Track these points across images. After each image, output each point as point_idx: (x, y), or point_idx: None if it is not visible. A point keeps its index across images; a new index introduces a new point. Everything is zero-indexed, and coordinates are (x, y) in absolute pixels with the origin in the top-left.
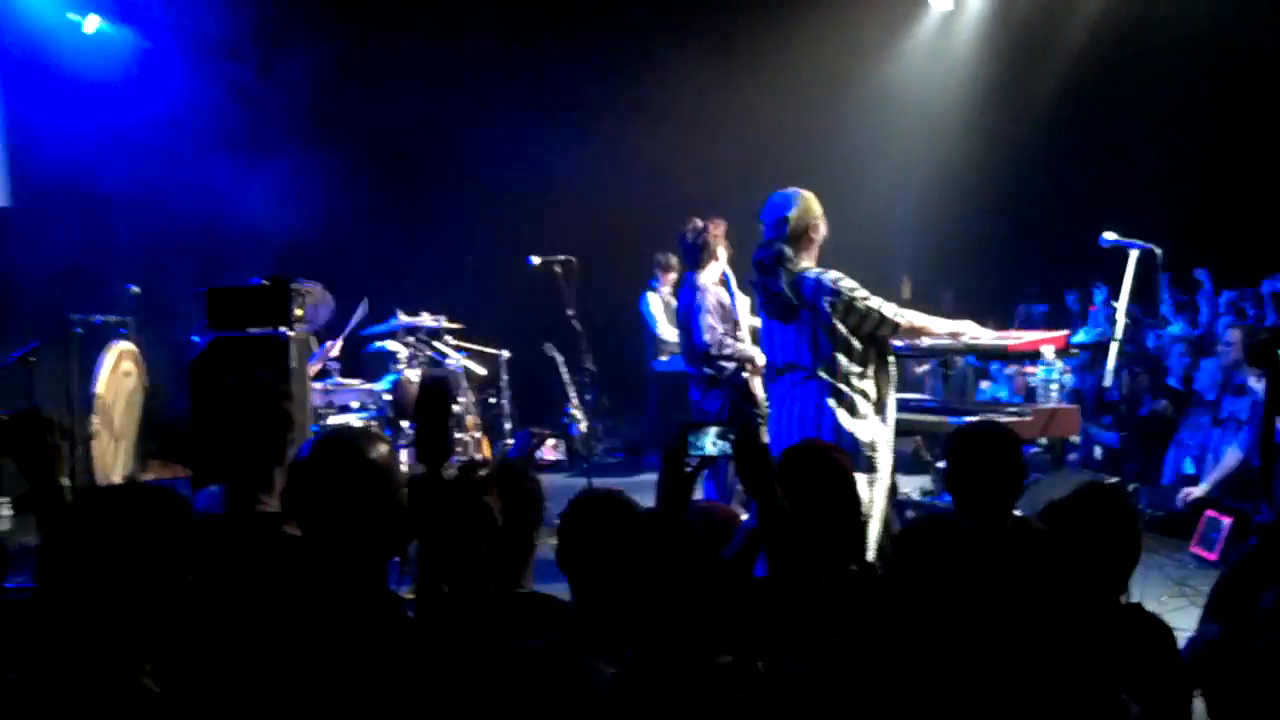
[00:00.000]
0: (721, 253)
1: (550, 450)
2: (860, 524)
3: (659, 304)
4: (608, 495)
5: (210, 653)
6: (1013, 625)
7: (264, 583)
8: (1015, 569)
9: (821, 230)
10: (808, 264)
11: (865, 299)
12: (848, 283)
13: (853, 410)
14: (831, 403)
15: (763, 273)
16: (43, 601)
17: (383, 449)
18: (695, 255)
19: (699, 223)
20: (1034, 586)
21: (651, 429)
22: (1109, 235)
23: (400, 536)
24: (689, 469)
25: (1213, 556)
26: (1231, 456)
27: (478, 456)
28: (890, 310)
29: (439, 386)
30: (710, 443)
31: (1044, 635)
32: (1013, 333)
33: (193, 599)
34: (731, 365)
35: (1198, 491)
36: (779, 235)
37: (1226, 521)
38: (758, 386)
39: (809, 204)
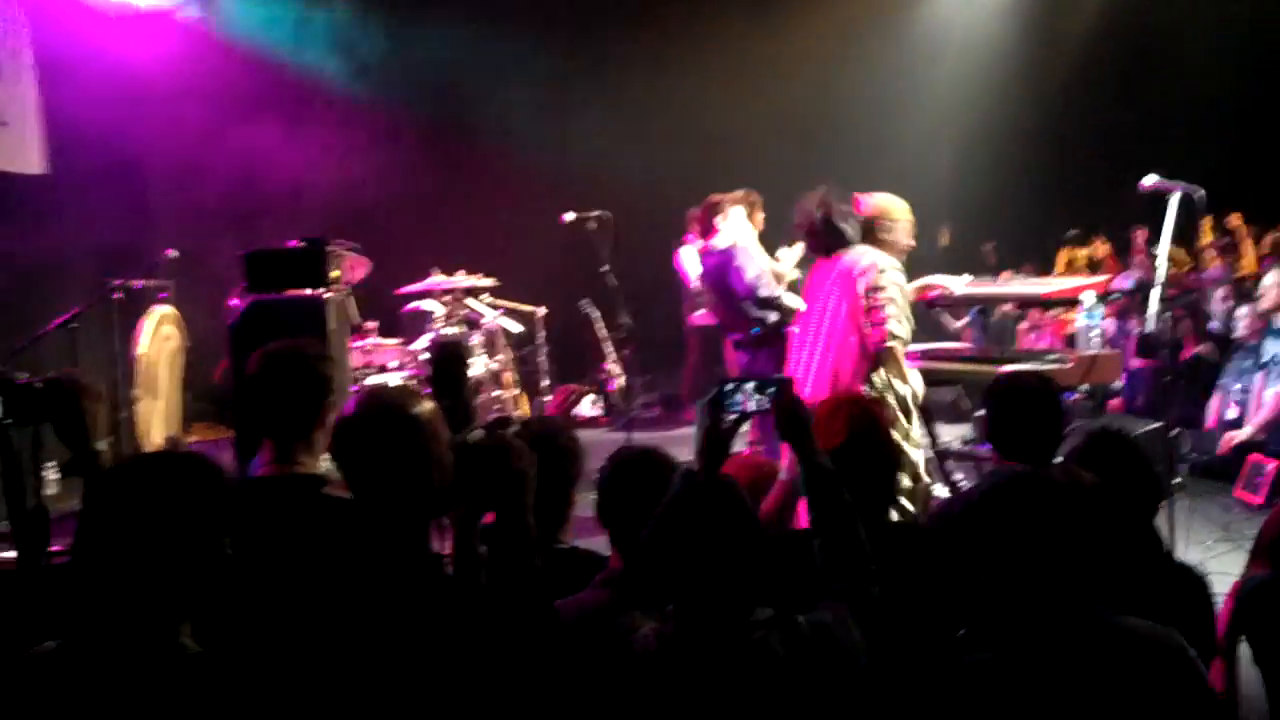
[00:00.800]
0: (734, 217)
1: (589, 405)
2: (894, 475)
3: (694, 258)
4: (645, 452)
5: (252, 613)
6: (1075, 577)
7: (304, 544)
8: (1082, 520)
9: (898, 233)
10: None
11: (887, 304)
12: (892, 278)
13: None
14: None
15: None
16: (79, 567)
17: (427, 406)
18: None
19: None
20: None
21: (689, 383)
22: (1150, 178)
23: (446, 495)
24: (727, 424)
25: (1258, 500)
26: (1275, 400)
27: (514, 414)
28: (893, 329)
29: (451, 353)
30: (748, 398)
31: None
32: (1052, 278)
33: (232, 561)
34: (773, 315)
35: (1241, 436)
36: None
37: (1271, 465)
38: None
39: (896, 206)
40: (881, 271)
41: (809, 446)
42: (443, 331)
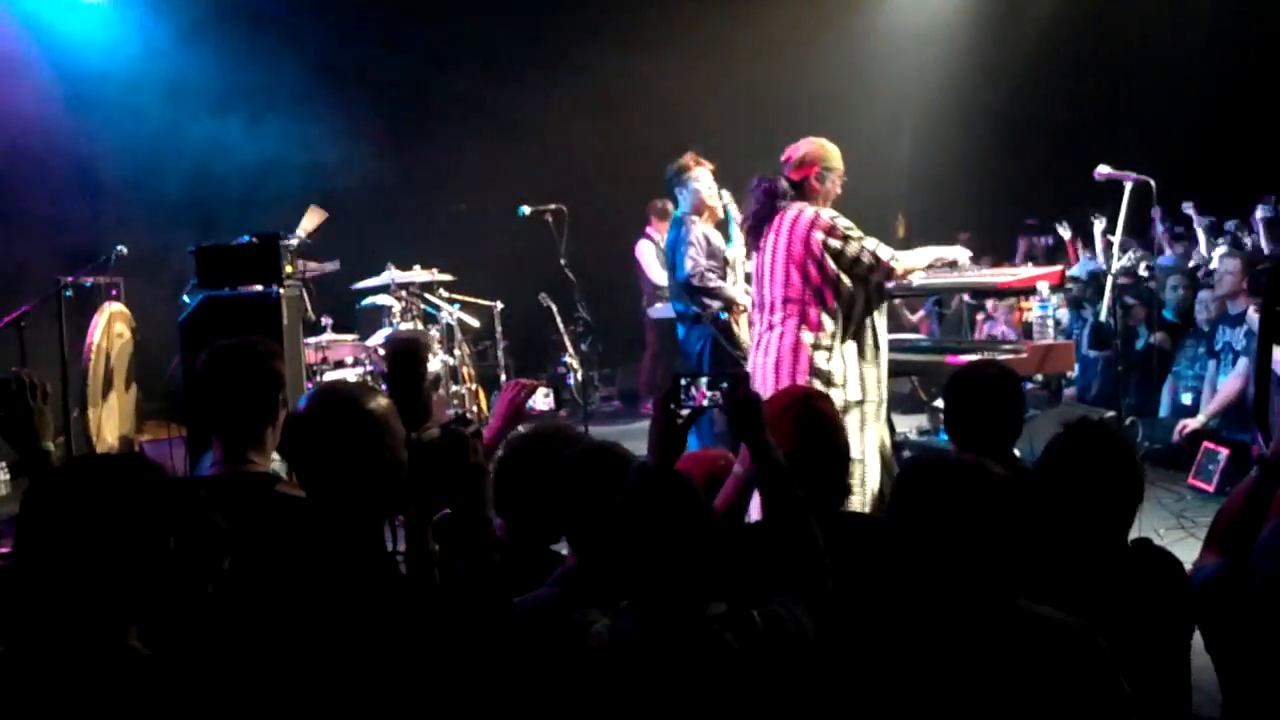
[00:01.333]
0: (705, 188)
1: (542, 400)
2: (846, 469)
3: (652, 251)
4: (600, 447)
5: (203, 613)
6: (1008, 565)
7: (255, 542)
8: (1012, 508)
9: (830, 180)
10: (807, 204)
11: (860, 239)
12: (843, 222)
13: (830, 351)
14: (809, 342)
15: (759, 206)
16: (19, 571)
17: (382, 402)
18: (672, 190)
19: (684, 159)
20: (1030, 526)
21: (647, 377)
22: (1104, 168)
23: (400, 493)
24: (681, 419)
25: (1210, 488)
26: (1228, 387)
27: (472, 409)
28: (885, 254)
29: (408, 348)
30: (702, 393)
31: (1047, 575)
32: (1007, 268)
33: (179, 561)
34: (715, 304)
35: (1194, 423)
36: (782, 178)
37: (1224, 453)
38: (742, 328)
39: (816, 151)
40: (834, 216)
41: (762, 441)
42: (399, 327)
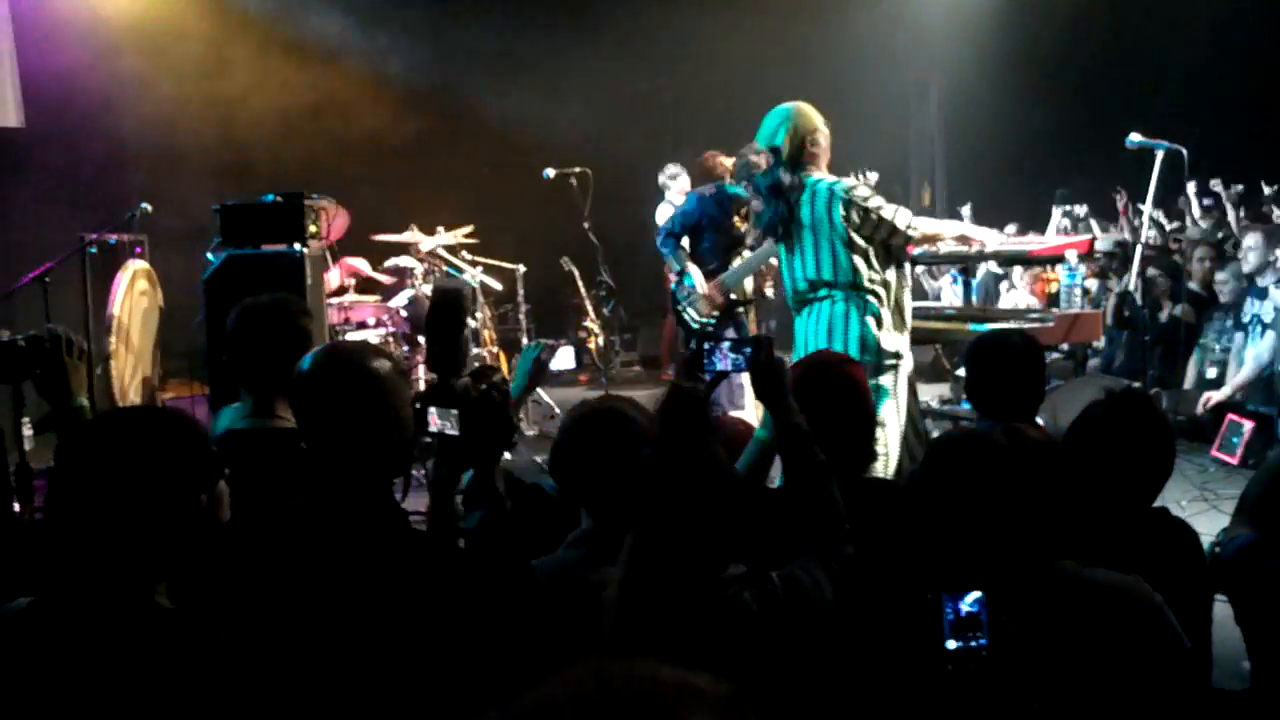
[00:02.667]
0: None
1: (563, 359)
2: (872, 435)
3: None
4: (604, 407)
5: (229, 568)
6: (1037, 535)
7: (281, 497)
8: (1041, 483)
9: (821, 141)
10: (817, 175)
11: (879, 207)
12: (861, 190)
13: (878, 321)
14: (856, 314)
15: (773, 197)
16: (53, 524)
17: (385, 363)
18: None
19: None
20: (1057, 499)
21: (668, 342)
22: (1135, 136)
23: (406, 452)
24: (704, 385)
25: (1234, 460)
26: (1253, 359)
27: (493, 370)
28: (904, 219)
29: (451, 298)
30: (725, 357)
31: (1071, 542)
32: (1035, 237)
33: (208, 518)
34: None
35: (1219, 396)
36: (778, 162)
37: (1248, 425)
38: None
39: (800, 119)
40: (850, 188)
41: (784, 406)
42: (422, 289)
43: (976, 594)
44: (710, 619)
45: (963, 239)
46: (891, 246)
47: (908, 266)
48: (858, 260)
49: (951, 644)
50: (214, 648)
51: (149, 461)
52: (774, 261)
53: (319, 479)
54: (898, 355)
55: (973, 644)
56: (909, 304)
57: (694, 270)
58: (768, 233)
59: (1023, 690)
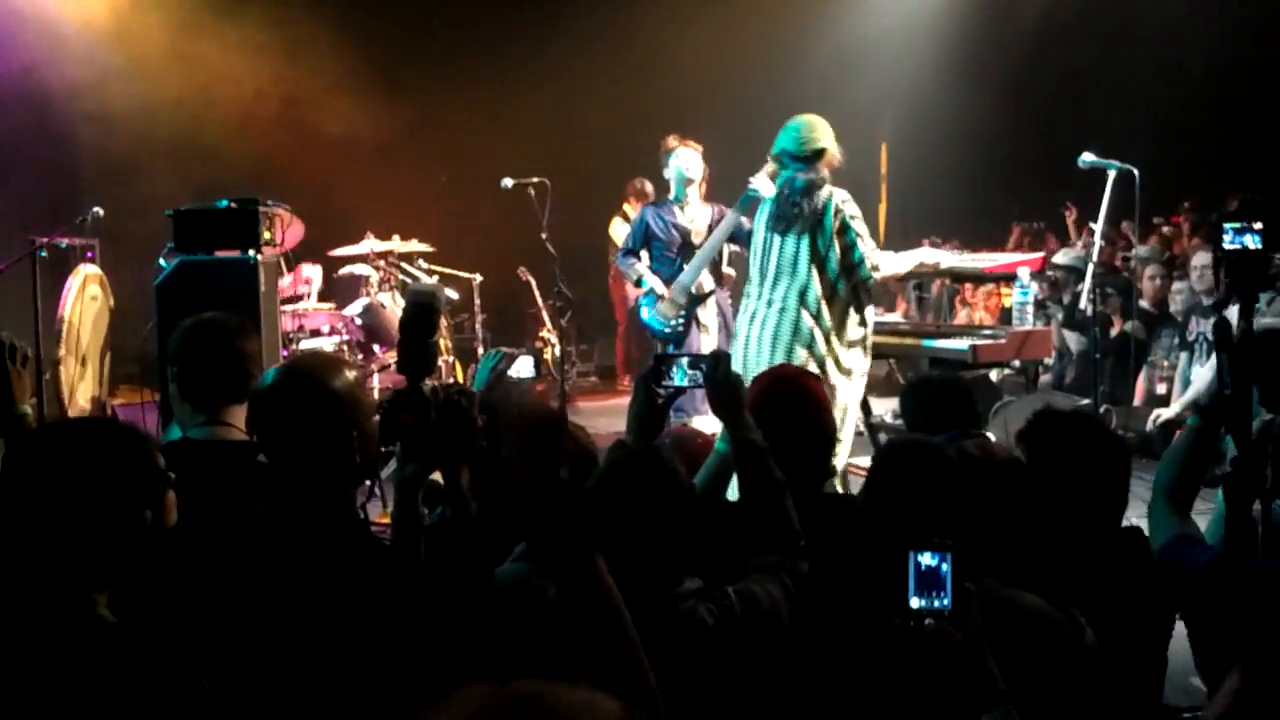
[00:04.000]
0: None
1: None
2: (830, 449)
3: (625, 230)
4: (558, 420)
5: (175, 576)
6: (986, 548)
7: (233, 507)
8: (989, 490)
9: (830, 151)
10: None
11: (858, 234)
12: (851, 209)
13: (826, 332)
14: (809, 321)
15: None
16: None
17: (347, 376)
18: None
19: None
20: (1010, 510)
21: (624, 353)
22: (1088, 156)
23: (367, 463)
24: (661, 399)
25: None
26: (1201, 378)
27: (450, 380)
28: (872, 258)
29: (427, 300)
30: (682, 373)
31: (1032, 561)
32: (987, 254)
33: (155, 526)
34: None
35: (1168, 413)
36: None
37: None
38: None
39: (819, 126)
40: (845, 201)
41: (740, 422)
42: (377, 297)
43: (942, 551)
44: (665, 632)
45: (920, 265)
46: (852, 275)
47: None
48: (829, 270)
49: (915, 602)
50: (157, 659)
51: (92, 474)
52: (728, 269)
53: (278, 490)
54: (849, 373)
55: (935, 604)
56: (870, 322)
57: (652, 279)
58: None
59: (980, 653)
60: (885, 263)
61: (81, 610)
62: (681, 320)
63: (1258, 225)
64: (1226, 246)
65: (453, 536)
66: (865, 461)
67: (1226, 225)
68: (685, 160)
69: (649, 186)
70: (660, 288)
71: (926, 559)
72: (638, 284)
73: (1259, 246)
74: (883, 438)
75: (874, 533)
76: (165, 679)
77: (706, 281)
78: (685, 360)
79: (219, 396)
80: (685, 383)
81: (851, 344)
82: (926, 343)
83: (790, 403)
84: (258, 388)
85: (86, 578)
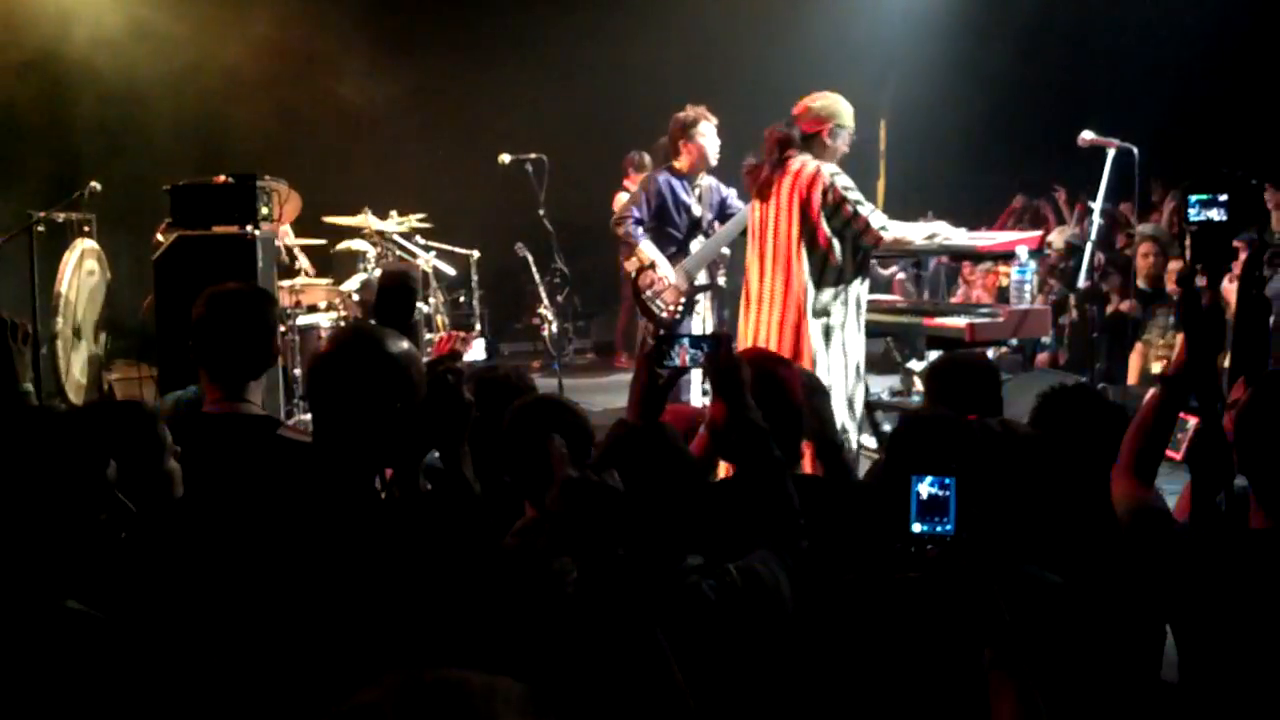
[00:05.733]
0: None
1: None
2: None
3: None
4: (551, 399)
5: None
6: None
7: (256, 484)
8: (1008, 467)
9: (840, 136)
10: (810, 158)
11: (855, 202)
12: (842, 181)
13: (825, 310)
14: (809, 299)
15: (769, 155)
16: None
17: (404, 344)
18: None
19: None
20: (1027, 486)
21: (622, 330)
22: (1087, 134)
23: (415, 441)
24: (663, 379)
25: (1178, 456)
26: None
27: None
28: (877, 221)
29: (400, 281)
30: (684, 352)
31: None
32: (986, 232)
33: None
34: (630, 264)
35: None
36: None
37: (1192, 422)
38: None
39: (831, 106)
40: (835, 174)
41: (740, 402)
42: (375, 273)
43: (946, 477)
44: (669, 608)
45: (931, 238)
46: (859, 244)
47: (867, 265)
48: (823, 248)
49: (917, 527)
50: (129, 648)
51: (90, 461)
52: (725, 251)
53: (312, 465)
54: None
55: (938, 529)
56: (865, 296)
57: (663, 262)
58: (757, 183)
59: (986, 581)
60: (895, 226)
61: (50, 603)
62: (681, 309)
63: (1223, 197)
64: (1191, 219)
65: (455, 515)
66: (869, 441)
67: (1191, 198)
68: (714, 138)
69: (647, 159)
70: (670, 273)
71: (926, 485)
72: (648, 267)
73: (1224, 219)
74: (879, 416)
75: (890, 508)
76: (137, 666)
77: (702, 276)
78: (687, 340)
79: (241, 371)
80: (688, 363)
81: (836, 325)
82: (923, 320)
83: (766, 387)
84: (316, 352)
85: (58, 569)
